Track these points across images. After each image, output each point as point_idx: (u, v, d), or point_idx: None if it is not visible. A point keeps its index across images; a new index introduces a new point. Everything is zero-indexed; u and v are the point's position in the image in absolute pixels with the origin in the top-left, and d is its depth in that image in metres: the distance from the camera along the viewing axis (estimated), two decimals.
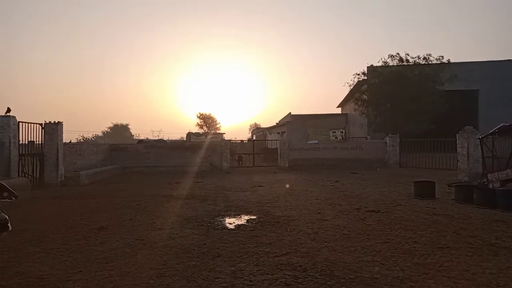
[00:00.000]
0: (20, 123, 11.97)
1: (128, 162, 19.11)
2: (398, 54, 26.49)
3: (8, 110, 11.74)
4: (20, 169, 11.91)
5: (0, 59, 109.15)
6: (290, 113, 39.50)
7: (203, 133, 47.95)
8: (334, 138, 21.76)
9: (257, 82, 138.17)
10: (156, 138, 50.11)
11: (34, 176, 12.59)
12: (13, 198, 2.32)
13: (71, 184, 13.11)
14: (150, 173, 17.88)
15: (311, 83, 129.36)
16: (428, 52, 26.25)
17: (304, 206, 8.51)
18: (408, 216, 7.27)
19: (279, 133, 37.93)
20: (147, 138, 45.35)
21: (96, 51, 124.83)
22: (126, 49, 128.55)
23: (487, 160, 10.09)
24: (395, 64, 26.56)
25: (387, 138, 20.15)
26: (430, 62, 26.08)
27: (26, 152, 12.39)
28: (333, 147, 20.70)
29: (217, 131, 59.20)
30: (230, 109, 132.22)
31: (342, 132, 21.98)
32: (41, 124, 13.20)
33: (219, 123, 72.42)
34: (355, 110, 29.53)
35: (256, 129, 64.56)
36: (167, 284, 3.91)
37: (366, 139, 25.73)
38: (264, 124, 64.06)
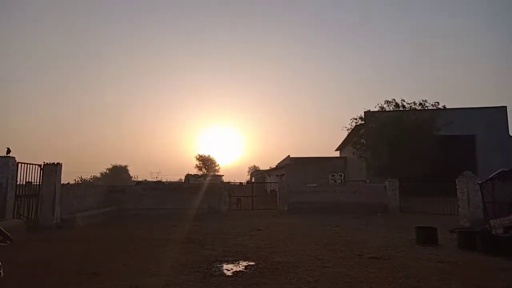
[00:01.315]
0: (19, 164, 11.97)
1: (126, 204, 18.86)
2: (394, 100, 27.15)
3: (8, 151, 11.78)
4: (16, 210, 11.73)
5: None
6: (289, 155, 39.67)
7: (202, 174, 47.80)
8: (333, 181, 21.71)
9: (257, 124, 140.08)
10: (155, 179, 49.93)
11: (30, 217, 12.37)
12: (8, 241, 2.29)
13: (67, 227, 12.85)
14: (147, 216, 17.59)
15: (310, 125, 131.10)
16: (424, 98, 26.93)
17: (304, 252, 8.31)
18: (411, 263, 7.09)
19: (278, 175, 37.85)
20: (145, 180, 45.17)
21: (96, 92, 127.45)
22: (126, 90, 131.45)
23: (487, 205, 10.02)
24: (392, 110, 27.11)
25: (387, 182, 20.10)
26: (426, 108, 26.65)
27: (23, 193, 12.27)
28: (333, 190, 20.58)
29: (216, 173, 59.03)
30: (229, 151, 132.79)
31: (341, 176, 21.98)
32: (40, 165, 13.19)
33: (218, 165, 72.40)
34: (353, 153, 29.70)
35: (255, 171, 64.51)
36: None
37: (365, 183, 25.64)
38: (263, 166, 64.09)
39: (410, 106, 26.84)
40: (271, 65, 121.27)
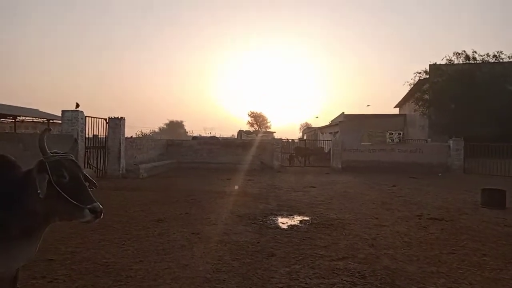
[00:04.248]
0: (87, 118, 12.81)
1: (183, 157, 19.76)
2: (464, 51, 24.68)
3: (77, 105, 12.61)
4: (86, 161, 12.75)
5: (69, 61, 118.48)
6: (343, 112, 38.45)
7: (253, 131, 48.32)
8: (390, 140, 20.82)
9: (310, 83, 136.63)
10: (209, 135, 51.35)
11: (98, 168, 13.42)
12: (93, 188, 2.42)
13: (131, 177, 13.80)
14: (202, 169, 18.33)
15: (367, 82, 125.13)
16: (499, 50, 24.18)
17: (359, 210, 8.20)
18: (475, 226, 6.72)
19: (331, 133, 37.12)
20: (200, 135, 46.62)
21: (154, 53, 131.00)
22: (181, 50, 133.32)
23: None
24: (461, 62, 24.81)
25: (451, 142, 18.89)
26: (501, 60, 24.00)
27: (91, 145, 13.24)
28: (390, 149, 19.80)
29: (268, 130, 59.28)
30: (282, 110, 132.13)
31: (400, 134, 20.99)
32: (105, 119, 14.05)
33: (269, 122, 72.53)
34: (415, 110, 28.01)
35: (307, 129, 63.80)
36: (223, 280, 3.93)
37: (427, 142, 24.35)
38: (316, 123, 63.01)
39: (483, 59, 24.32)
40: (327, 18, 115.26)
